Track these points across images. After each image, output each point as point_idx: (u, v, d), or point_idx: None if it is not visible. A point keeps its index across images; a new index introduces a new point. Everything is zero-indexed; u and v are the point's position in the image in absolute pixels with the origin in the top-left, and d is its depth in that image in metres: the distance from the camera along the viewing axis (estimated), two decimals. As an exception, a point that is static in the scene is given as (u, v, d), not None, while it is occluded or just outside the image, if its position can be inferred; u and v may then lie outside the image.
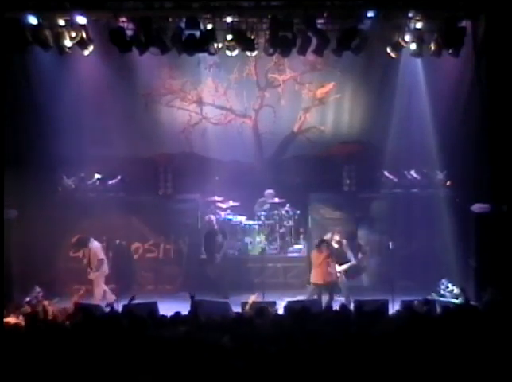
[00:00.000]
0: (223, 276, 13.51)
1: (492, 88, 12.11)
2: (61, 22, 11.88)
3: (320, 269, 12.25)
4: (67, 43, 12.00)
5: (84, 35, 11.96)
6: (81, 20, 11.84)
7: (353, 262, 12.75)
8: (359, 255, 13.13)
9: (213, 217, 13.92)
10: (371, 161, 14.47)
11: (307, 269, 13.53)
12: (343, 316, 8.86)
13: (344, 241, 12.94)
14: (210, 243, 13.73)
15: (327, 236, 12.91)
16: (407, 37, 12.14)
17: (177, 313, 9.06)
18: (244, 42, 12.06)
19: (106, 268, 12.77)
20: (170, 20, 12.10)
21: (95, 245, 12.76)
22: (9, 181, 12.29)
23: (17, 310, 10.53)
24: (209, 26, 11.87)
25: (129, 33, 11.91)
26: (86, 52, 12.36)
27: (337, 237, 12.84)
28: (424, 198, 14.00)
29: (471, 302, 10.37)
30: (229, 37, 11.99)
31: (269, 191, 14.94)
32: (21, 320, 9.59)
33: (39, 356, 6.81)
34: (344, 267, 12.60)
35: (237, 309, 10.45)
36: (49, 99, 13.57)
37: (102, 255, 12.75)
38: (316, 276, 12.28)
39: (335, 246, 12.74)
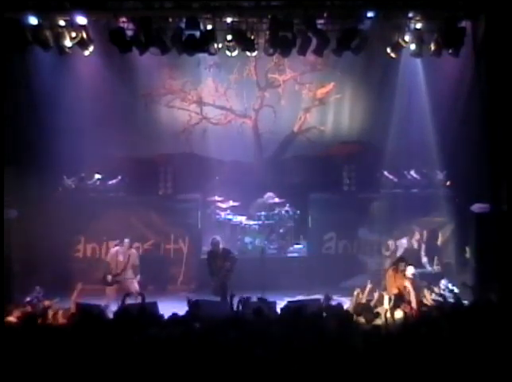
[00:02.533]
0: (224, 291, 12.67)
1: (492, 88, 12.10)
2: (61, 22, 11.87)
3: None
4: (68, 43, 11.99)
5: (84, 35, 11.96)
6: (81, 20, 11.83)
7: (428, 269, 12.61)
8: (436, 263, 12.74)
9: (219, 238, 12.95)
10: (371, 161, 14.47)
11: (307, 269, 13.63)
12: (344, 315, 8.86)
13: (423, 245, 12.79)
14: (210, 264, 12.66)
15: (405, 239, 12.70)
16: (407, 37, 12.13)
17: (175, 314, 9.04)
18: (244, 42, 12.06)
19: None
20: (170, 20, 12.09)
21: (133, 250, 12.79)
22: (9, 181, 12.29)
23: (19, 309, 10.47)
24: (209, 26, 11.86)
25: (129, 33, 11.90)
26: (86, 53, 12.36)
27: (417, 236, 12.63)
28: (424, 198, 14.01)
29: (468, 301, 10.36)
30: (229, 37, 11.98)
31: (270, 194, 14.95)
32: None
33: (37, 356, 6.81)
34: (418, 270, 12.04)
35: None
36: (49, 99, 13.58)
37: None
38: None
39: (415, 245, 12.53)
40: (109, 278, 12.53)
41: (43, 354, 6.88)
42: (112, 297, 12.51)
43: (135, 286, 12.53)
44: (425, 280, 12.13)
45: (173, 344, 7.09)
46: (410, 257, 12.52)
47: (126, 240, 12.65)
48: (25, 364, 6.69)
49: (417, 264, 12.60)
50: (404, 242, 12.99)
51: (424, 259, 12.76)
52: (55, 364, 6.67)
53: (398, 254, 12.89)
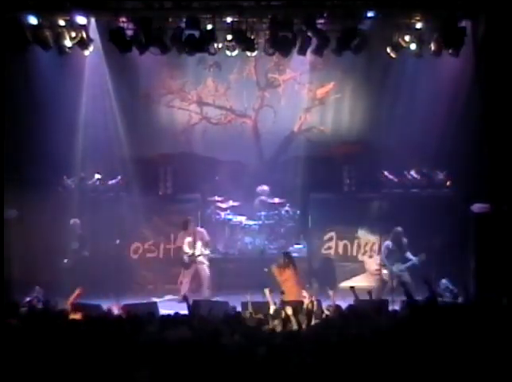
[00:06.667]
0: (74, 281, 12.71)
1: (492, 88, 12.11)
2: (61, 22, 11.90)
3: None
4: (67, 43, 12.01)
5: (84, 35, 11.98)
6: (81, 20, 11.85)
7: (414, 260, 12.70)
8: (421, 255, 12.91)
9: (78, 221, 13.74)
10: (371, 161, 14.46)
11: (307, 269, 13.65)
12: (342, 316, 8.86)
13: (405, 240, 12.87)
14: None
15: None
16: (407, 37, 12.15)
17: (176, 314, 9.05)
18: (244, 42, 12.07)
19: None
20: (170, 20, 12.13)
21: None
22: (9, 181, 12.30)
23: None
24: (209, 26, 11.87)
25: (129, 33, 11.92)
26: (86, 52, 12.41)
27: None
28: (424, 198, 14.02)
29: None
30: (229, 37, 12.00)
31: (263, 187, 14.94)
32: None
33: (37, 355, 6.81)
34: (406, 265, 12.68)
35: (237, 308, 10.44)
36: (49, 99, 13.57)
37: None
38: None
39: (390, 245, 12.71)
40: (185, 258, 12.90)
41: (41, 353, 6.88)
42: (187, 284, 13.21)
43: (206, 271, 13.31)
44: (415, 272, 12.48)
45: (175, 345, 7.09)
46: (395, 256, 12.62)
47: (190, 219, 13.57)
48: (28, 362, 6.69)
49: (403, 260, 12.82)
50: (388, 243, 13.01)
51: (408, 253, 12.85)
52: (55, 364, 6.67)
53: (382, 256, 12.95)
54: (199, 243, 13.44)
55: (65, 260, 13.44)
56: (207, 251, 13.47)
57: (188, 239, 13.49)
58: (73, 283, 12.47)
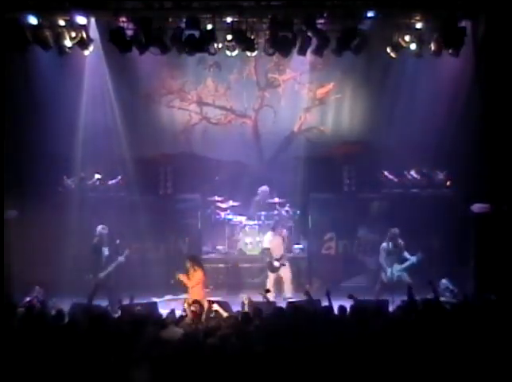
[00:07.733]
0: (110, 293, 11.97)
1: (492, 88, 12.12)
2: (61, 22, 11.89)
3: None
4: (67, 43, 12.00)
5: (84, 35, 11.98)
6: (81, 20, 11.85)
7: (412, 260, 12.66)
8: (418, 254, 12.81)
9: (104, 230, 12.59)
10: (371, 161, 14.47)
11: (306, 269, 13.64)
12: (342, 316, 8.86)
13: (401, 241, 12.83)
14: (95, 258, 12.43)
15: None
16: (407, 37, 12.15)
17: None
18: (244, 42, 12.06)
19: None
20: (170, 20, 12.12)
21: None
22: (9, 181, 12.29)
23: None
24: (209, 26, 11.87)
25: (129, 33, 11.91)
26: (86, 52, 12.40)
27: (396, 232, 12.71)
28: (424, 198, 14.02)
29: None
30: (229, 37, 12.00)
31: (264, 188, 14.90)
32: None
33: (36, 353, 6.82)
34: (405, 265, 12.58)
35: (237, 309, 10.45)
36: (49, 99, 13.57)
37: None
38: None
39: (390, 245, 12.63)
40: (276, 263, 12.71)
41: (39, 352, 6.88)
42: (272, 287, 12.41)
43: (289, 272, 12.81)
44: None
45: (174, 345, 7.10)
46: (393, 257, 12.60)
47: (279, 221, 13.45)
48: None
49: (401, 261, 12.68)
50: (385, 244, 12.96)
51: (405, 253, 12.79)
52: (54, 363, 6.67)
53: (381, 258, 12.90)
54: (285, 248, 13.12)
55: (101, 274, 12.18)
56: (298, 251, 13.03)
57: (279, 240, 13.05)
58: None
